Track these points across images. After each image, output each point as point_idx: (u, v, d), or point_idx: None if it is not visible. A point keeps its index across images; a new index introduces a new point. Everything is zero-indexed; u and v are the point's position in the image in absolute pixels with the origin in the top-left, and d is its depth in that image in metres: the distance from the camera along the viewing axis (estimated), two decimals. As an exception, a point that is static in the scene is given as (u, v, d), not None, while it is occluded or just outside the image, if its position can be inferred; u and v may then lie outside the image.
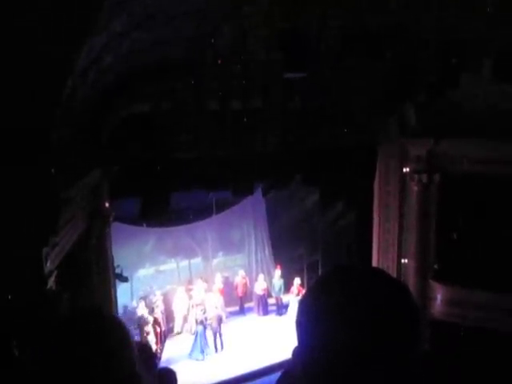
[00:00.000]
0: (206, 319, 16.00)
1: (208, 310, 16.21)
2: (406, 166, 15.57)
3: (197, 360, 15.65)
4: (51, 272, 7.40)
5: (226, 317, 17.05)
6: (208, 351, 15.87)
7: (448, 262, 15.29)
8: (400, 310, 1.39)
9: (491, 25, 9.20)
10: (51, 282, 7.43)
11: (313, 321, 1.42)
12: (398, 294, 1.43)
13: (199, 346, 15.75)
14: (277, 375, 2.21)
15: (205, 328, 15.96)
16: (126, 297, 16.10)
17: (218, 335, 16.16)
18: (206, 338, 15.93)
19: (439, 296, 15.41)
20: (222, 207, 17.96)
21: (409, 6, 8.53)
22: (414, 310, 1.43)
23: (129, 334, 1.78)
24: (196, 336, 15.91)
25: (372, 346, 1.33)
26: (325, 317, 1.39)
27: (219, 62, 9.19)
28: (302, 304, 1.48)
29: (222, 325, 16.31)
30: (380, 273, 1.50)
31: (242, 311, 18.51)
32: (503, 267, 13.96)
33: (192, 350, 15.81)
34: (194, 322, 16.54)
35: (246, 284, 18.56)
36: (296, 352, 1.47)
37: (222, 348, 16.22)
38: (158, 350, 15.58)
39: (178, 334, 17.06)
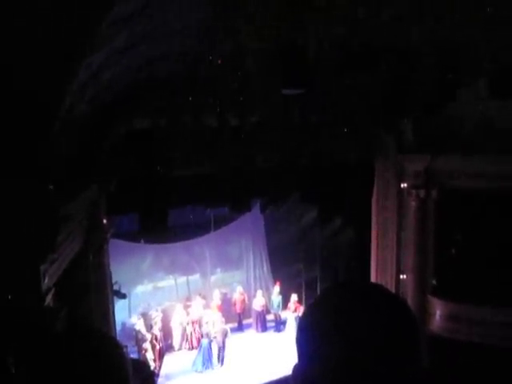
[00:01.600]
0: (209, 333, 16.11)
1: (214, 323, 16.29)
2: (403, 182, 15.61)
3: (196, 371, 15.74)
4: (49, 289, 7.37)
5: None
6: (209, 365, 15.93)
7: (447, 277, 15.28)
8: (399, 327, 1.39)
9: (487, 37, 9.29)
10: (49, 299, 7.40)
11: (312, 338, 1.42)
12: (396, 309, 1.44)
13: (202, 358, 15.87)
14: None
15: (210, 341, 16.05)
16: (124, 313, 16.02)
17: (221, 349, 16.22)
18: (210, 352, 16.02)
19: (438, 311, 15.37)
20: (220, 224, 17.93)
21: (402, 18, 8.56)
22: (413, 325, 1.43)
23: (123, 352, 1.78)
24: (200, 348, 16.04)
25: (372, 363, 1.33)
26: (324, 335, 1.39)
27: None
28: (302, 321, 1.49)
29: (226, 339, 16.36)
30: (378, 288, 1.50)
31: (241, 327, 18.41)
32: (502, 282, 13.94)
33: (194, 361, 15.95)
34: (191, 337, 16.59)
35: (244, 300, 18.49)
36: (296, 369, 1.47)
37: (221, 363, 16.20)
38: (157, 367, 15.52)
39: (177, 350, 16.97)
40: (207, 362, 15.89)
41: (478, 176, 14.03)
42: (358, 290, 1.48)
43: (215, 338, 16.13)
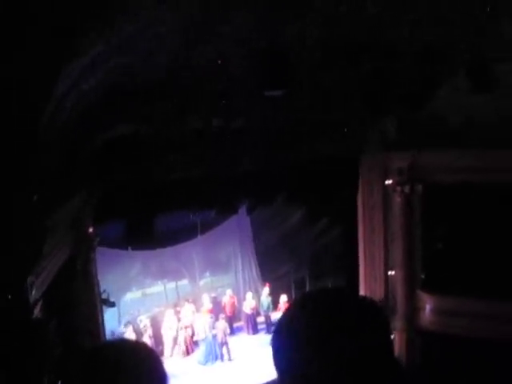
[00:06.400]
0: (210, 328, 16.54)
1: (214, 322, 16.75)
2: (388, 179, 15.68)
3: (198, 363, 16.23)
4: (37, 300, 7.30)
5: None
6: (209, 358, 16.33)
7: (435, 272, 15.37)
8: (370, 334, 1.42)
9: (466, 34, 9.35)
10: (37, 311, 7.32)
11: (285, 349, 1.46)
12: (367, 315, 1.47)
13: (205, 351, 16.36)
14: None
15: (214, 336, 16.43)
16: (113, 321, 15.91)
17: (225, 345, 16.59)
18: (212, 346, 16.39)
19: (428, 306, 15.45)
20: (207, 227, 17.86)
21: (387, 9, 8.54)
22: (385, 333, 1.48)
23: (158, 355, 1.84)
24: (204, 342, 16.53)
25: (342, 373, 1.36)
26: (297, 345, 1.42)
27: (202, 66, 9.09)
28: (276, 332, 1.52)
29: (226, 337, 16.75)
30: (347, 295, 1.56)
31: (232, 331, 18.37)
32: (490, 275, 14.04)
33: (199, 354, 16.50)
34: (184, 343, 16.74)
35: (234, 303, 18.46)
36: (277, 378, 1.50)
37: (229, 358, 16.56)
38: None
39: (170, 357, 16.87)
40: (208, 356, 16.26)
41: (461, 170, 14.13)
42: (327, 302, 1.51)
43: (216, 334, 16.46)
